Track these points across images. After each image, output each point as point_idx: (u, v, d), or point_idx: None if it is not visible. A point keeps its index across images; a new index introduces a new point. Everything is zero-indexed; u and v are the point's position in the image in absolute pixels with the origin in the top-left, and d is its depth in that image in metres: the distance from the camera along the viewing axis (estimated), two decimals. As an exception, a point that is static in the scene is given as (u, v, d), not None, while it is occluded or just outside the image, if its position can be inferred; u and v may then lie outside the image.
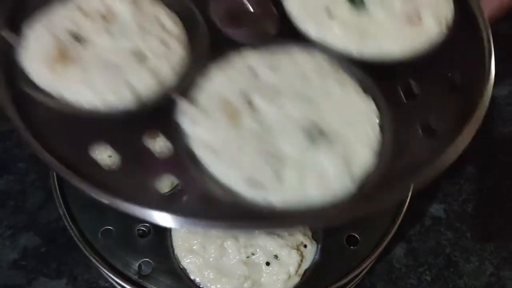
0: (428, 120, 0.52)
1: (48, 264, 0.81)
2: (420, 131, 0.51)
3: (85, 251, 0.66)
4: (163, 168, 0.47)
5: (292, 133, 0.48)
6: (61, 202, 0.66)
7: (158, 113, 0.51)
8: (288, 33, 0.58)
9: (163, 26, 0.58)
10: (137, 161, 0.49)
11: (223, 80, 0.53)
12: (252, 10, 0.58)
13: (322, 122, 0.49)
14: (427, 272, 0.82)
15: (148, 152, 0.48)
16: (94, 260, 0.65)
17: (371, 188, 0.48)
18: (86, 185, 0.46)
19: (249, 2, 0.58)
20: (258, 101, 0.50)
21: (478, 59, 0.56)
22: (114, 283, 0.68)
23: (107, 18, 0.57)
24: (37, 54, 0.54)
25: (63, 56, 0.53)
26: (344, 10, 0.58)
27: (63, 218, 0.68)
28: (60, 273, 0.81)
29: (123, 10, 0.58)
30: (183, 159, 0.48)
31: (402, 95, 0.54)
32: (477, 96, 0.53)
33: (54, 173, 0.60)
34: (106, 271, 0.65)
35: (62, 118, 0.51)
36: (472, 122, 0.51)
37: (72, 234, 0.67)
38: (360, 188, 0.48)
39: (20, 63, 0.54)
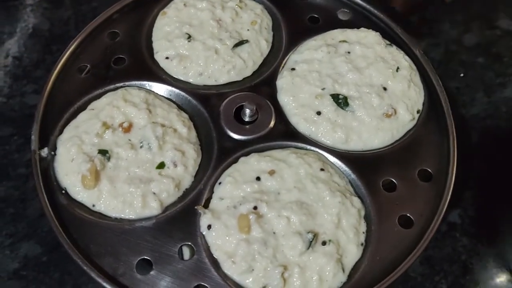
0: (406, 211, 0.62)
1: (50, 274, 0.78)
2: (397, 222, 0.62)
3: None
4: (190, 272, 0.57)
5: (292, 240, 0.58)
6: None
7: (182, 222, 0.60)
8: (281, 127, 0.68)
9: (177, 133, 0.66)
10: (166, 266, 0.58)
11: (232, 186, 0.62)
12: (254, 109, 0.67)
13: (317, 228, 0.59)
14: (443, 281, 0.80)
15: (175, 257, 0.58)
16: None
17: (359, 276, 0.59)
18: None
19: (250, 103, 0.66)
20: (263, 209, 0.60)
21: (444, 151, 0.66)
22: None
23: (127, 128, 0.65)
24: (70, 171, 0.62)
25: (93, 173, 0.61)
26: (331, 109, 0.67)
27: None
28: (62, 283, 0.77)
29: (141, 120, 0.66)
30: (207, 264, 0.58)
31: (383, 189, 0.64)
32: (443, 188, 0.63)
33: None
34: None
35: (96, 227, 0.60)
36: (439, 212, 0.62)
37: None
38: (350, 276, 0.59)
39: (57, 179, 0.62)
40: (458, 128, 0.76)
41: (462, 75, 1.09)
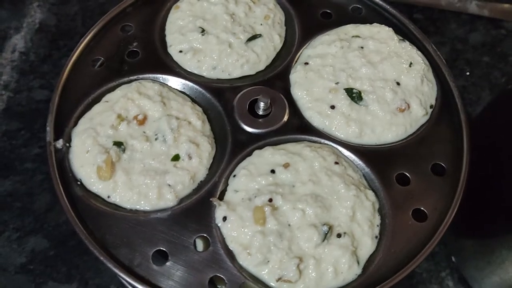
0: (419, 205, 0.63)
1: (58, 268, 0.79)
2: (411, 216, 0.62)
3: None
4: (206, 263, 0.58)
5: (308, 232, 0.58)
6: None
7: (197, 214, 0.61)
8: (295, 121, 0.68)
9: (192, 126, 0.66)
10: (182, 257, 0.58)
11: (247, 178, 0.62)
12: (268, 103, 0.67)
13: (332, 221, 0.59)
14: (449, 277, 0.82)
15: (191, 248, 0.59)
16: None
17: (373, 268, 0.59)
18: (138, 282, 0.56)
19: (264, 97, 0.66)
20: (278, 202, 0.60)
21: (458, 145, 0.67)
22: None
23: (142, 121, 0.65)
24: (86, 163, 0.62)
25: (108, 165, 0.61)
26: (345, 103, 0.68)
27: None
28: (70, 278, 0.78)
29: (155, 113, 0.66)
30: (222, 256, 0.58)
31: (396, 183, 0.64)
32: (457, 182, 0.63)
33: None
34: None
35: (112, 218, 0.60)
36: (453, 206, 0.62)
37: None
38: (364, 269, 0.59)
39: (72, 170, 0.63)
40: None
41: (468, 73, 1.10)
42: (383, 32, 0.73)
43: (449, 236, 0.90)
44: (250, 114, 0.68)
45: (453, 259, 0.89)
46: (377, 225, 0.61)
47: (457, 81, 1.07)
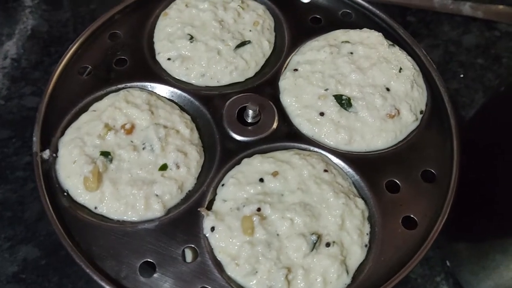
0: (409, 212, 0.62)
1: (49, 277, 0.78)
2: (401, 224, 0.61)
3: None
4: (194, 274, 0.57)
5: (296, 242, 0.58)
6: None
7: (185, 224, 0.60)
8: (284, 129, 0.68)
9: (180, 134, 0.66)
10: (169, 268, 0.58)
11: (236, 188, 0.62)
12: (257, 110, 0.67)
13: (321, 230, 0.59)
14: (444, 282, 0.82)
15: (179, 260, 0.58)
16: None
17: (363, 277, 0.59)
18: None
19: (253, 104, 0.66)
20: (267, 211, 0.59)
21: (448, 151, 0.66)
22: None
23: (129, 130, 0.65)
24: (72, 173, 0.62)
25: (95, 175, 0.61)
26: (334, 109, 0.67)
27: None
28: (61, 287, 0.78)
29: (143, 122, 0.65)
30: (210, 267, 0.57)
31: (386, 190, 0.63)
32: (447, 189, 0.63)
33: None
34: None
35: (98, 230, 0.60)
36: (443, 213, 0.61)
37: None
38: (354, 278, 0.59)
39: (58, 181, 0.62)
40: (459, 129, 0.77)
41: (462, 75, 1.10)
42: (373, 37, 0.73)
43: (444, 240, 0.90)
44: (239, 122, 0.67)
45: (448, 263, 0.88)
46: (367, 234, 0.61)
47: (450, 84, 1.07)
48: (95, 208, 0.61)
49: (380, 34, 0.73)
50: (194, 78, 0.71)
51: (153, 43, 0.74)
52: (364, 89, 0.68)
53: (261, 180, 0.62)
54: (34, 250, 0.82)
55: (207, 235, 0.59)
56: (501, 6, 1.15)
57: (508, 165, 0.75)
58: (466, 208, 0.84)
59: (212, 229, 0.59)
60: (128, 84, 0.70)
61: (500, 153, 0.76)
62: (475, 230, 0.84)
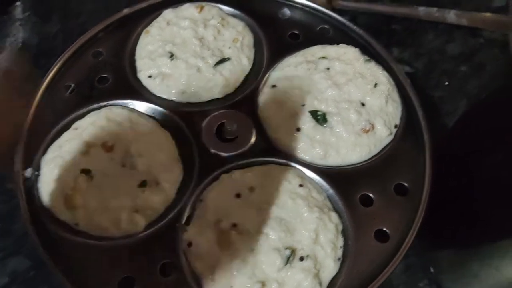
0: (382, 226, 0.64)
1: None
2: (374, 237, 0.63)
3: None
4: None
5: (271, 256, 0.59)
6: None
7: (163, 239, 0.62)
8: (262, 144, 0.70)
9: (160, 151, 0.67)
10: (148, 284, 0.59)
11: (213, 203, 0.63)
12: (235, 127, 0.69)
13: (295, 244, 0.61)
14: (428, 287, 0.82)
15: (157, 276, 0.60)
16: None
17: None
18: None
19: (230, 121, 0.68)
20: (243, 226, 0.61)
21: (420, 165, 0.68)
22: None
23: (110, 148, 0.66)
24: (54, 191, 0.64)
25: (76, 193, 0.63)
26: (310, 125, 0.69)
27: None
28: None
29: (124, 139, 0.67)
30: (188, 281, 0.59)
31: (359, 203, 0.65)
32: (419, 202, 0.65)
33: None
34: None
35: (79, 247, 0.61)
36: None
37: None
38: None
39: (40, 199, 0.64)
40: (441, 136, 0.78)
41: (446, 83, 1.11)
42: (350, 52, 0.74)
43: (427, 247, 0.91)
44: (217, 138, 0.69)
45: (431, 269, 0.90)
46: (340, 247, 0.63)
47: (435, 92, 1.09)
48: (76, 224, 0.63)
49: (357, 49, 0.75)
50: (175, 95, 0.72)
51: (134, 60, 0.76)
52: (340, 105, 0.70)
53: (238, 195, 0.64)
54: (24, 261, 0.82)
55: (184, 250, 0.61)
56: (485, 14, 1.16)
57: (485, 173, 0.76)
58: (447, 215, 0.86)
59: (190, 244, 0.61)
60: (110, 102, 0.71)
61: (478, 160, 0.78)
62: (455, 237, 0.86)
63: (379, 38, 1.10)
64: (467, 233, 0.81)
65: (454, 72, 1.13)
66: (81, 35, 0.77)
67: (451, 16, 1.15)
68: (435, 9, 1.13)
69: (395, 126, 0.71)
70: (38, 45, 1.13)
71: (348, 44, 0.76)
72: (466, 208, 0.80)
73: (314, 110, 0.69)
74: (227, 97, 0.74)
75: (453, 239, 0.85)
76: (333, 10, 0.97)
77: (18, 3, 1.18)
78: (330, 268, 0.61)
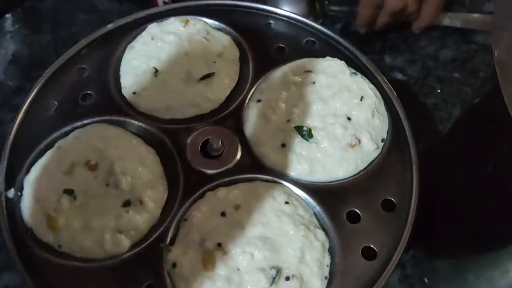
0: (369, 243, 0.63)
1: None
2: (361, 254, 0.62)
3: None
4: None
5: (256, 276, 0.59)
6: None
7: (147, 260, 0.61)
8: (247, 160, 0.69)
9: (144, 169, 0.67)
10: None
11: (198, 222, 0.63)
12: (219, 144, 0.68)
13: (281, 263, 0.60)
14: None
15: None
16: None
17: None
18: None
19: (214, 137, 0.67)
20: (228, 246, 0.60)
21: (408, 180, 0.67)
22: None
23: (94, 166, 0.66)
24: (36, 212, 0.63)
25: (58, 213, 0.62)
26: (295, 140, 0.68)
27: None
28: None
29: (107, 157, 0.66)
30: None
31: (347, 220, 0.64)
32: (406, 218, 0.64)
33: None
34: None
35: (62, 268, 0.61)
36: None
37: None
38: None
39: (23, 220, 0.63)
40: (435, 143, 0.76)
41: (439, 90, 1.10)
42: (335, 66, 0.74)
43: (422, 258, 0.91)
44: (202, 155, 0.68)
45: (426, 280, 0.89)
46: (327, 265, 0.62)
47: (428, 99, 1.08)
48: (59, 246, 0.62)
49: (343, 62, 0.74)
50: (160, 111, 0.72)
51: (119, 77, 0.75)
52: (325, 119, 0.69)
53: (223, 214, 0.63)
54: (16, 276, 0.82)
55: (169, 271, 0.60)
56: (476, 15, 1.16)
57: (479, 181, 0.75)
58: (440, 226, 0.85)
59: (174, 265, 0.61)
60: (95, 119, 0.71)
61: (472, 168, 0.77)
62: (450, 248, 0.85)
63: (372, 46, 1.11)
64: (461, 243, 0.80)
65: (448, 78, 1.13)
66: (73, 45, 0.77)
67: (446, 20, 1.14)
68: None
69: (382, 140, 0.70)
70: (29, 56, 1.13)
71: (334, 56, 0.76)
72: (459, 219, 0.80)
73: (299, 126, 0.69)
74: (212, 112, 0.73)
75: (448, 250, 0.84)
76: (325, 17, 0.98)
77: (8, 15, 1.18)
78: (316, 287, 0.60)
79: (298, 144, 0.68)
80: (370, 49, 1.10)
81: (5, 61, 1.12)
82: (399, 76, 1.11)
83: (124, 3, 1.20)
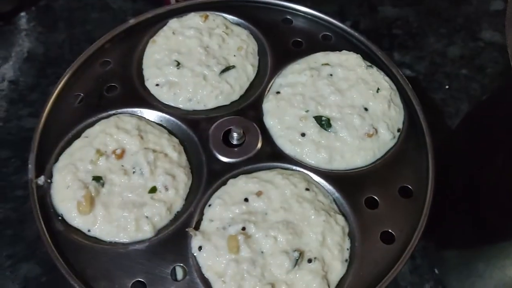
0: (387, 228, 0.65)
1: None
2: (380, 239, 0.65)
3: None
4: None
5: (280, 259, 0.61)
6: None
7: (174, 244, 0.63)
8: (268, 149, 0.71)
9: (168, 158, 0.69)
10: (159, 287, 0.61)
11: (222, 208, 0.65)
12: (241, 133, 0.70)
13: (303, 246, 0.62)
14: None
15: (168, 279, 0.61)
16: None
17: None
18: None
19: (237, 127, 0.69)
20: (251, 230, 0.63)
21: (424, 168, 0.69)
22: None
23: (120, 155, 0.68)
24: (66, 198, 0.65)
25: (88, 199, 0.64)
26: (314, 130, 0.70)
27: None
28: None
29: (133, 146, 0.68)
30: (198, 285, 0.60)
31: (365, 206, 0.67)
32: (423, 204, 0.66)
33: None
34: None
35: (92, 252, 0.63)
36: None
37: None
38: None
39: (53, 205, 0.65)
40: (445, 138, 0.79)
41: (447, 86, 1.13)
42: (351, 59, 0.76)
43: (432, 248, 0.92)
44: (224, 144, 0.71)
45: (436, 270, 0.91)
46: (347, 249, 0.64)
47: (436, 94, 1.10)
48: (88, 231, 0.64)
49: (359, 55, 0.76)
50: (182, 102, 0.74)
51: (142, 69, 0.77)
52: (343, 110, 0.71)
53: (246, 200, 0.65)
54: (35, 267, 0.85)
55: (195, 254, 0.63)
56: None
57: (489, 174, 0.78)
58: (452, 217, 0.87)
59: (200, 248, 0.62)
60: (119, 110, 0.73)
61: (483, 162, 0.79)
62: (460, 238, 0.87)
63: (380, 43, 1.14)
64: (471, 234, 0.82)
65: (455, 74, 1.15)
66: (88, 43, 0.79)
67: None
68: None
69: (398, 130, 0.72)
70: (44, 54, 1.15)
71: (350, 50, 0.78)
72: (470, 210, 0.82)
73: (318, 116, 0.71)
74: (232, 104, 0.75)
75: (458, 240, 0.86)
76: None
77: (23, 14, 1.21)
78: (337, 270, 0.62)
79: (317, 134, 0.70)
80: (379, 46, 1.12)
81: (21, 58, 1.14)
82: (407, 72, 1.14)
83: (137, 1, 1.23)
